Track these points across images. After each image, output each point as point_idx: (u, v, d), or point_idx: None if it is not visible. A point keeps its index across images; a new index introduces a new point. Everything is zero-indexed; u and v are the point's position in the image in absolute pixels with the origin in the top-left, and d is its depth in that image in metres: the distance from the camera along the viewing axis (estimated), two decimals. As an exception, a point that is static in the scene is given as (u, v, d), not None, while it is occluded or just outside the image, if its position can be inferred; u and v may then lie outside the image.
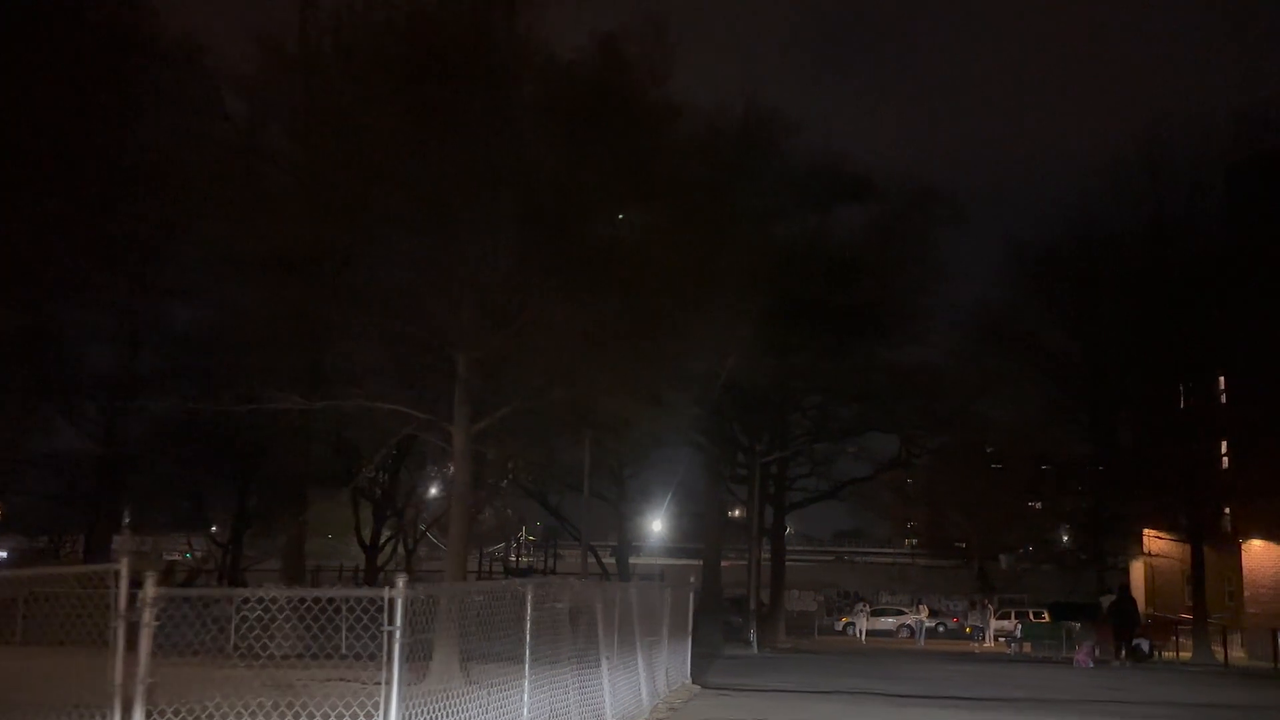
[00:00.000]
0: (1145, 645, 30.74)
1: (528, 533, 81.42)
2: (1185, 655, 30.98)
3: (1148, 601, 41.76)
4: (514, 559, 59.01)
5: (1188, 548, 36.33)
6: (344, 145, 17.42)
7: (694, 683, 16.71)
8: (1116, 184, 34.40)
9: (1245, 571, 34.49)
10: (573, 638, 10.14)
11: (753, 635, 32.21)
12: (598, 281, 15.42)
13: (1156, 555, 41.40)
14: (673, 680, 15.47)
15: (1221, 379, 35.70)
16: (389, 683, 6.32)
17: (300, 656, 12.10)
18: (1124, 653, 29.59)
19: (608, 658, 10.52)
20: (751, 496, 37.87)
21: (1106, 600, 33.28)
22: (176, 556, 49.39)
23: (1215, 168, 35.31)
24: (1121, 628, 30.37)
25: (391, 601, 6.36)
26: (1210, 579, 32.90)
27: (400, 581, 6.43)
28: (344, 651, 12.79)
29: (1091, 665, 27.82)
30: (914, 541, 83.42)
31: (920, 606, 46.25)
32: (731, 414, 37.59)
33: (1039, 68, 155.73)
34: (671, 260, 17.73)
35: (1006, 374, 39.27)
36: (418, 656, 13.71)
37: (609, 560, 44.85)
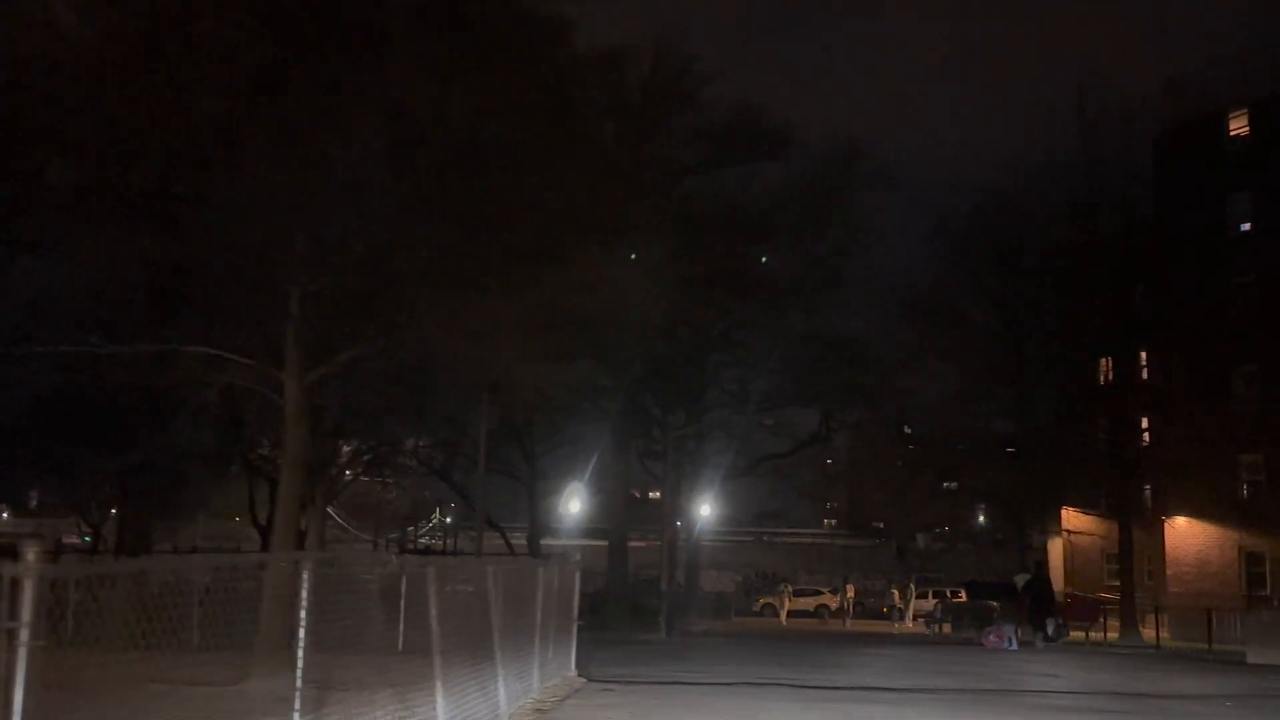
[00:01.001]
0: (1059, 622, 30.05)
1: (442, 515, 78.77)
2: (1113, 636, 29.93)
3: (1066, 580, 41.01)
4: (410, 541, 56.37)
5: (1108, 525, 35.54)
6: (186, 59, 15.07)
7: (579, 675, 14.59)
8: (1047, 155, 33.43)
9: (1168, 550, 33.58)
10: (395, 629, 7.99)
11: (662, 618, 30.28)
12: (466, 210, 13.15)
13: (1076, 532, 40.65)
14: (551, 674, 13.34)
15: (1143, 354, 34.88)
16: (7, 707, 4.03)
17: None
18: (1041, 633, 28.94)
19: (442, 652, 8.33)
20: (666, 472, 36.06)
21: (1021, 579, 32.45)
22: (74, 539, 46.49)
23: (1144, 138, 34.43)
24: (1036, 607, 29.79)
25: (15, 583, 4.09)
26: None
27: (30, 554, 4.15)
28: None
29: (1014, 647, 26.43)
30: (833, 522, 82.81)
31: (847, 586, 44.97)
32: (645, 385, 35.69)
33: (971, 40, 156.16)
34: (559, 194, 15.59)
35: (929, 347, 38.35)
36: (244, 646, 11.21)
37: (519, 542, 42.72)
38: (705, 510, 43.77)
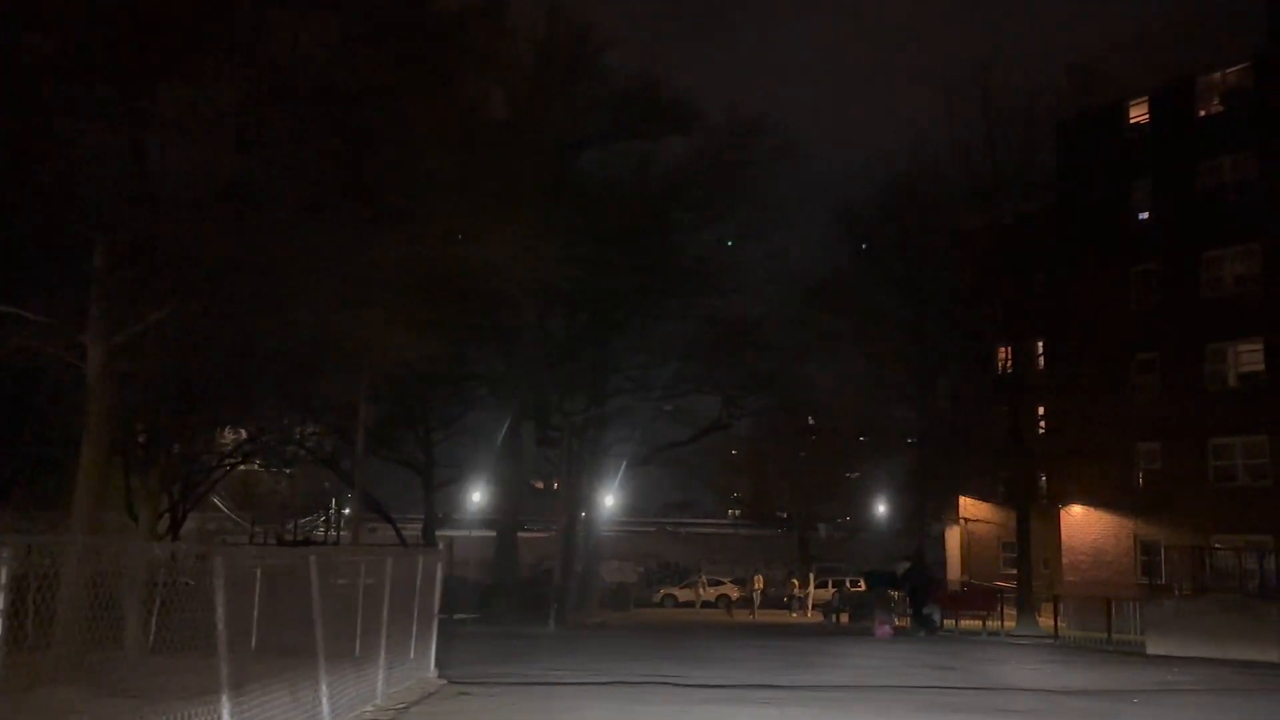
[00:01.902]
0: (936, 615, 29.86)
1: (339, 506, 76.17)
2: (1009, 625, 29.60)
3: (963, 569, 40.91)
4: (293, 533, 54.00)
5: (1004, 513, 35.39)
6: None
7: (440, 676, 13.21)
8: (950, 138, 32.91)
9: (1064, 538, 33.45)
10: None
11: (551, 610, 29.01)
12: (312, 158, 11.65)
13: (973, 521, 40.57)
14: (405, 676, 11.94)
15: (1041, 342, 34.80)
16: None
17: None
18: (917, 621, 29.12)
19: (228, 657, 6.91)
20: (564, 459, 34.78)
21: (902, 568, 32.22)
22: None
23: (1046, 123, 34.19)
24: (915, 596, 29.86)
25: None
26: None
27: None
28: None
29: (890, 635, 26.34)
30: (737, 512, 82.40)
31: (756, 577, 44.33)
32: (543, 370, 34.33)
33: (879, 20, 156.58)
34: (425, 150, 14.15)
35: (831, 334, 37.81)
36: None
37: (413, 533, 41.03)
38: (607, 500, 42.57)
